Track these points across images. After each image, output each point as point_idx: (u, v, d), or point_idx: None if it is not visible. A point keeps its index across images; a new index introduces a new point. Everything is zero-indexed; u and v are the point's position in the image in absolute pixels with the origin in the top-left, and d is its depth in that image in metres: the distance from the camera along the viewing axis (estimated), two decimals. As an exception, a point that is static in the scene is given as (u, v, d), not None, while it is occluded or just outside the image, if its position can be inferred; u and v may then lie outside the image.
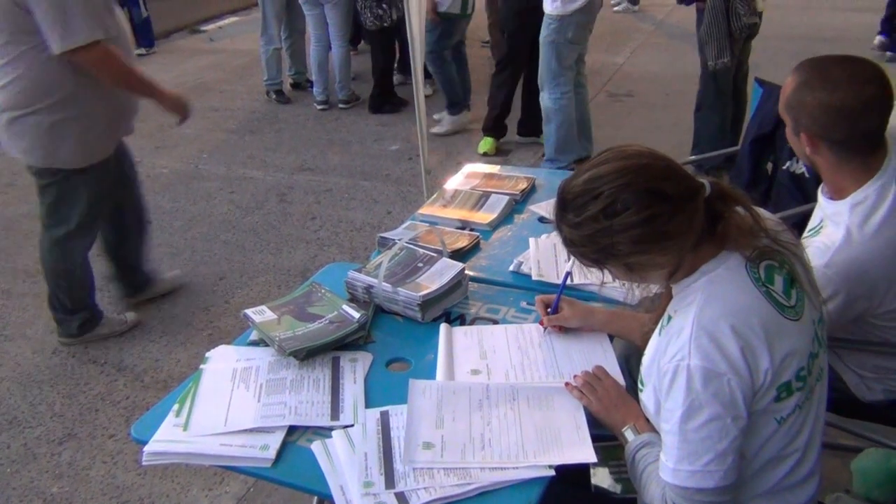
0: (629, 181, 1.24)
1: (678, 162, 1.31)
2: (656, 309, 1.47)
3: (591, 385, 1.57)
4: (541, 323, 1.81)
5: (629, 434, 1.46)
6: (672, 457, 1.29)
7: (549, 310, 1.80)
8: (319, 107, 6.18)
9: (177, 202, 4.74)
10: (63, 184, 2.90)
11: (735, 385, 1.23)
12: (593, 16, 4.32)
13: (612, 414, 1.51)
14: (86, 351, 3.27)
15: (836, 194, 1.75)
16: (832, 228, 1.73)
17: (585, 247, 1.29)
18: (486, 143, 5.15)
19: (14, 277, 3.92)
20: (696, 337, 1.25)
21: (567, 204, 1.30)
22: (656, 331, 1.40)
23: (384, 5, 5.53)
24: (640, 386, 1.43)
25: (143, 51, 8.25)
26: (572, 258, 1.38)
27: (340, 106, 6.16)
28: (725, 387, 1.23)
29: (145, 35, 8.40)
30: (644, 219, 1.22)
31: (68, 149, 2.81)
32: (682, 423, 1.26)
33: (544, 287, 1.97)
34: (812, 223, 1.87)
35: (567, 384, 1.59)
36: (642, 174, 1.25)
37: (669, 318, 1.36)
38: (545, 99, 4.51)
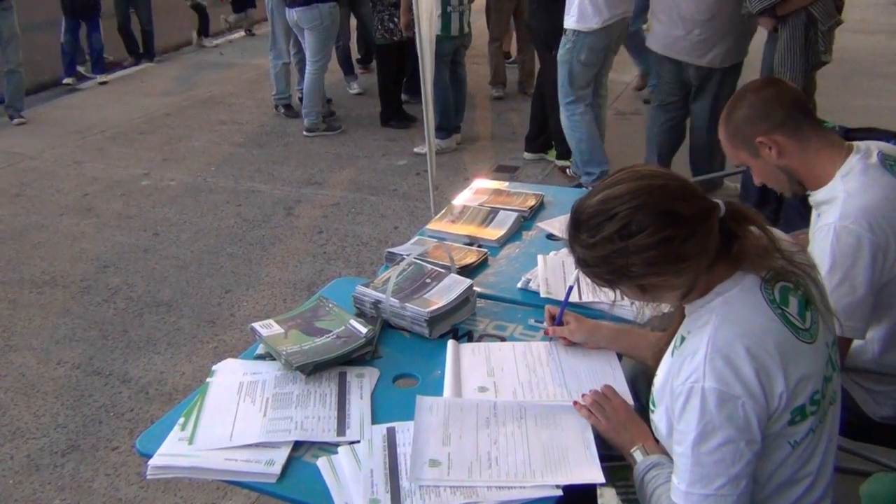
0: (644, 202, 1.23)
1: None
2: (667, 328, 1.46)
3: (599, 404, 1.55)
4: (545, 332, 1.80)
5: (638, 455, 1.45)
6: (684, 479, 1.27)
7: (554, 321, 1.80)
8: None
9: (184, 214, 4.75)
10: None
11: (750, 408, 1.22)
12: (609, 41, 4.26)
13: (620, 434, 1.50)
14: (90, 362, 3.27)
15: (822, 181, 1.79)
16: (830, 203, 1.76)
17: (599, 267, 1.29)
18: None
19: (21, 288, 3.93)
20: (710, 359, 1.23)
21: (581, 224, 1.29)
22: (668, 351, 1.39)
23: (395, 19, 5.55)
24: (651, 407, 1.41)
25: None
26: (576, 272, 1.37)
27: (305, 134, 6.03)
28: (740, 410, 1.22)
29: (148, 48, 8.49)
30: (659, 240, 1.22)
31: None
32: (696, 445, 1.24)
33: (553, 304, 1.96)
34: (812, 225, 1.89)
35: (575, 403, 1.58)
36: (657, 195, 1.24)
37: (682, 338, 1.34)
38: (562, 117, 4.50)
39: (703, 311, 1.31)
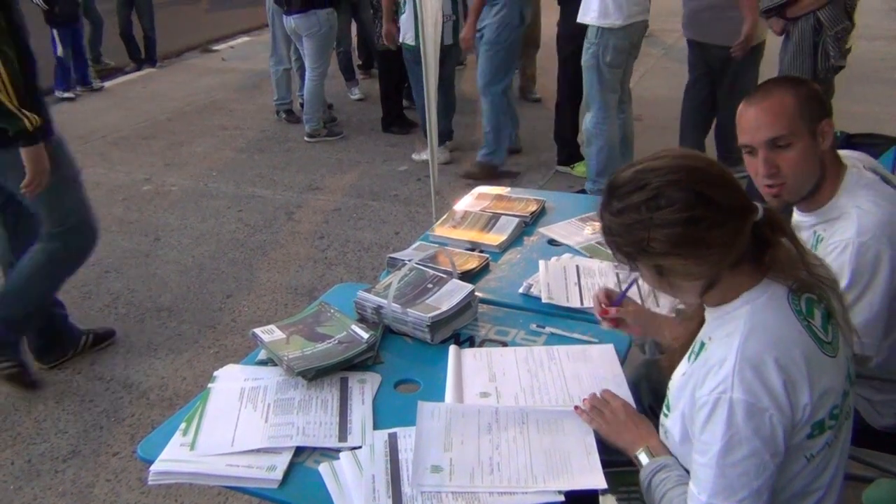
0: (679, 178, 1.22)
1: None
2: (684, 331, 1.45)
3: (597, 408, 1.55)
4: (603, 312, 1.74)
5: (643, 457, 1.43)
6: (706, 490, 1.24)
7: (612, 302, 1.75)
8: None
9: (185, 219, 4.75)
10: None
11: (777, 421, 1.20)
12: (631, 41, 4.24)
13: (622, 435, 1.48)
14: (91, 368, 3.27)
15: (822, 198, 1.76)
16: (838, 220, 1.72)
17: (621, 237, 1.27)
18: (582, 166, 5.04)
19: (22, 293, 3.92)
20: (739, 369, 1.21)
21: (613, 191, 1.28)
22: (686, 356, 1.38)
23: (398, 26, 5.55)
24: (664, 411, 1.40)
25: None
26: (634, 275, 1.36)
27: (306, 139, 6.03)
28: (767, 423, 1.20)
29: (150, 54, 8.48)
30: (685, 219, 1.20)
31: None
32: (720, 457, 1.22)
33: (554, 309, 1.97)
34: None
35: (576, 408, 1.57)
36: (694, 175, 1.23)
37: (703, 344, 1.33)
38: (586, 121, 4.45)
39: (728, 318, 1.29)
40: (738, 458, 1.21)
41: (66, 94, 7.38)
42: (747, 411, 1.20)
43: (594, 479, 1.41)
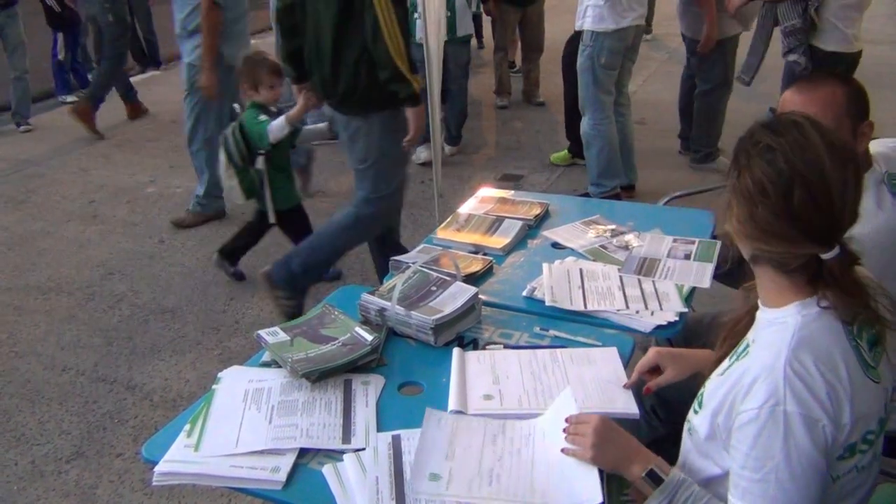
0: (794, 157, 1.20)
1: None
2: (727, 331, 1.45)
3: (577, 434, 1.43)
4: (646, 390, 1.67)
5: (656, 476, 1.34)
6: None
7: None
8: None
9: (189, 222, 4.76)
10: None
11: (829, 432, 1.18)
12: (626, 44, 4.29)
13: (606, 455, 1.39)
14: (95, 369, 3.28)
15: None
16: None
17: (740, 144, 1.30)
18: (560, 156, 5.21)
19: (27, 294, 3.94)
20: (789, 380, 1.18)
21: (778, 116, 1.31)
22: (728, 356, 1.36)
23: None
24: (695, 407, 1.37)
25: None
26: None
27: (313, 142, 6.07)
28: (821, 433, 1.18)
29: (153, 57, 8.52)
30: (760, 185, 1.21)
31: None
32: (779, 471, 1.18)
33: (557, 312, 1.97)
34: None
35: (563, 450, 1.45)
36: (807, 167, 1.19)
37: (747, 346, 1.31)
38: (584, 124, 4.48)
39: (776, 322, 1.27)
40: (799, 471, 1.18)
41: (69, 98, 7.36)
42: (803, 423, 1.17)
43: (593, 494, 1.36)
